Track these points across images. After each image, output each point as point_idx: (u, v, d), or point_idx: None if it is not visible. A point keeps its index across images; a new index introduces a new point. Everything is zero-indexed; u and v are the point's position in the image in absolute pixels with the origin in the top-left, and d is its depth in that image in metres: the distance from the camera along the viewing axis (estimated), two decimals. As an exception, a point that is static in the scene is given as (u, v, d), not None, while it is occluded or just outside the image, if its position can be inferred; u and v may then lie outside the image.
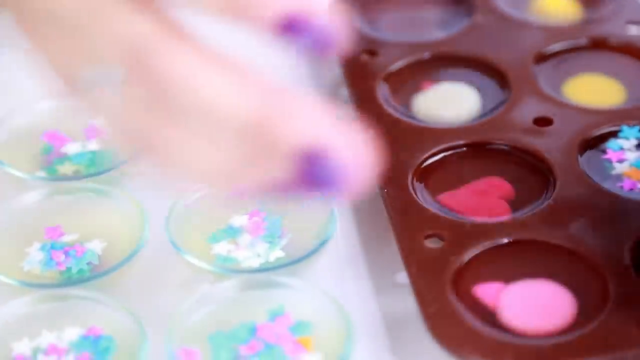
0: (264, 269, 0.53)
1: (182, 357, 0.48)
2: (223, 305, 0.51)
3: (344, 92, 0.64)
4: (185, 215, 0.55)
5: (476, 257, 0.52)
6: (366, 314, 0.53)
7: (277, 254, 0.54)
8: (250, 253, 0.54)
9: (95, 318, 0.51)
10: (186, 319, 0.50)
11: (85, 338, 0.50)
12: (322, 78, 0.69)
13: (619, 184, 0.57)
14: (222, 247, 0.54)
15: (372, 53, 0.66)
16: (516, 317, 0.50)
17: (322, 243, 0.53)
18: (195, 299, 0.51)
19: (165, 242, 0.54)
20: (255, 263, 0.53)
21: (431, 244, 0.53)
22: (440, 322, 0.49)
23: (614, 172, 0.57)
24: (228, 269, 0.53)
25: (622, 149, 0.59)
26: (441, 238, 0.53)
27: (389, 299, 0.54)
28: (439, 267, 0.51)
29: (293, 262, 0.53)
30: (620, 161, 0.58)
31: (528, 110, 0.61)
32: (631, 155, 0.58)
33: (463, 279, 0.51)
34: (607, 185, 0.56)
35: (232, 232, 0.55)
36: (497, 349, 0.48)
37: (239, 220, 0.56)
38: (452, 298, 0.50)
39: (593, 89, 0.64)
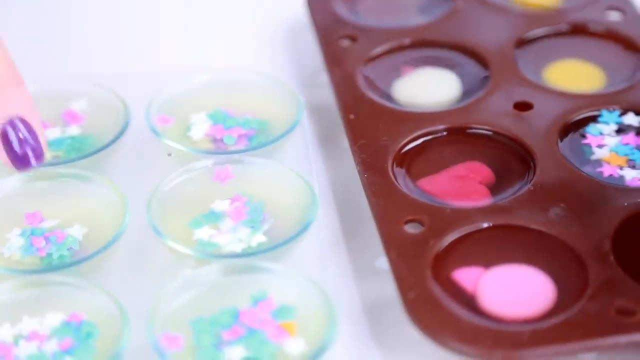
0: (246, 254, 0.53)
1: (165, 343, 0.48)
2: (205, 290, 0.51)
3: (325, 77, 0.64)
4: (167, 200, 0.55)
5: (456, 242, 0.53)
6: (347, 299, 0.53)
7: (259, 238, 0.54)
8: (232, 238, 0.54)
9: (77, 304, 0.51)
10: (168, 304, 0.50)
11: (67, 324, 0.50)
12: (302, 63, 0.69)
13: (599, 169, 0.57)
14: (203, 232, 0.54)
15: (352, 38, 0.66)
16: (495, 302, 0.50)
17: (304, 228, 0.53)
18: (177, 284, 0.51)
19: (147, 228, 0.54)
20: (237, 248, 0.53)
21: (411, 229, 0.53)
22: (420, 307, 0.49)
23: (593, 157, 0.58)
24: (210, 254, 0.53)
25: (601, 134, 0.59)
26: (421, 223, 0.53)
27: (370, 284, 0.54)
28: (418, 252, 0.52)
29: (275, 247, 0.53)
30: (600, 146, 0.58)
31: (508, 95, 0.61)
32: (611, 141, 0.58)
33: (443, 264, 0.51)
34: (586, 170, 0.57)
35: (213, 217, 0.55)
36: (476, 334, 0.48)
37: (221, 205, 0.56)
38: (432, 283, 0.50)
39: (573, 74, 0.64)
